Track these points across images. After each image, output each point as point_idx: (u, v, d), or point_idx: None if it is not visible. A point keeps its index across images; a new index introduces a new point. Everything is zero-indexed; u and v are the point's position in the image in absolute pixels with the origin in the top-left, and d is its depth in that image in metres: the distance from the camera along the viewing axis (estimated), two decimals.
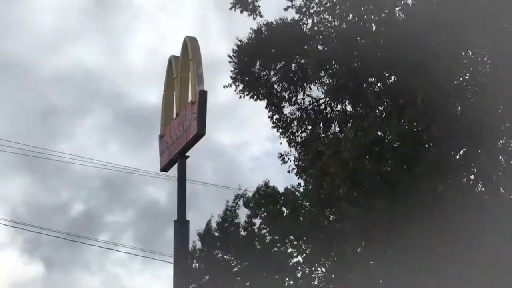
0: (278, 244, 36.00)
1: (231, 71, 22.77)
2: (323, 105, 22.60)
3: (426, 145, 18.53)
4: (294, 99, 22.82)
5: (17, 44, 68.23)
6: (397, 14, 20.47)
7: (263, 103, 22.91)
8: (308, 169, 21.48)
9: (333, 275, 31.60)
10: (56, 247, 53.97)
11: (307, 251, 34.34)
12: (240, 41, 22.76)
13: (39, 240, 54.30)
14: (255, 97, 22.80)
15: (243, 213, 37.40)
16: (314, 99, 22.77)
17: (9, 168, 63.17)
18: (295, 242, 35.16)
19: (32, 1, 70.44)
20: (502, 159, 18.46)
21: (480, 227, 17.26)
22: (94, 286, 57.51)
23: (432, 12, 18.75)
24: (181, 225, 13.24)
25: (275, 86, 22.85)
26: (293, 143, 22.89)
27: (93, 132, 68.33)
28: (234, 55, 22.75)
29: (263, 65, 22.68)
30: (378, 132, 19.36)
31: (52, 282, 56.53)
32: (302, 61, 21.85)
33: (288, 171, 23.28)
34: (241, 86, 22.79)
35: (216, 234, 36.99)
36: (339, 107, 21.89)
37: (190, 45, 13.73)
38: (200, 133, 13.02)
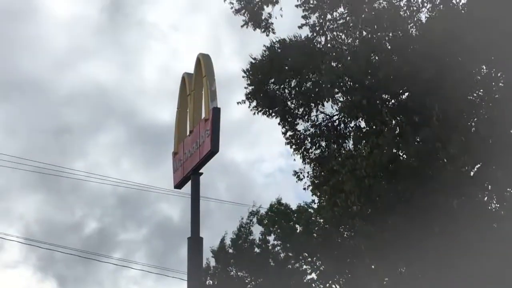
0: (292, 261, 35.92)
1: (245, 87, 22.83)
2: (337, 121, 22.59)
3: (441, 161, 18.47)
4: (307, 116, 22.81)
5: (31, 62, 68.74)
6: (411, 31, 20.48)
7: (277, 120, 22.93)
8: (322, 186, 21.43)
9: None
10: (69, 265, 53.99)
11: (321, 268, 34.23)
12: (254, 58, 22.81)
13: (52, 257, 54.39)
14: (268, 113, 22.81)
15: (257, 230, 37.40)
16: (328, 116, 22.77)
17: (23, 186, 63.42)
18: (309, 259, 35.08)
19: (46, 19, 70.94)
20: None
21: (495, 244, 17.16)
22: None
23: (445, 28, 18.74)
24: (195, 242, 13.20)
25: (289, 103, 22.86)
26: (307, 160, 22.87)
27: (107, 149, 68.58)
28: (248, 72, 22.79)
29: (277, 82, 22.70)
30: (393, 150, 19.32)
31: None
32: (316, 78, 21.87)
33: (304, 188, 23.27)
34: (254, 103, 22.81)
35: (230, 251, 36.93)
36: (352, 123, 21.87)
37: (204, 62, 13.74)
38: (214, 150, 13.01)
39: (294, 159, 23.33)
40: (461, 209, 17.66)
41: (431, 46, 18.82)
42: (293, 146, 22.87)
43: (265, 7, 22.91)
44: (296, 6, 22.34)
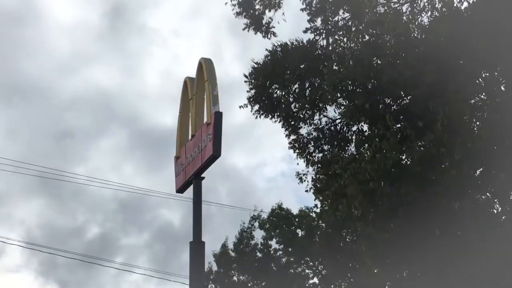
0: (295, 265, 35.90)
1: (247, 91, 22.83)
2: (340, 125, 22.57)
3: (444, 165, 18.44)
4: (310, 119, 22.79)
5: (34, 67, 68.79)
6: (413, 35, 20.47)
7: (279, 124, 22.92)
8: (325, 190, 21.40)
9: None
10: (71, 269, 53.94)
11: (323, 272, 34.20)
12: (256, 62, 22.80)
13: (54, 262, 54.35)
14: (271, 116, 22.78)
15: (258, 235, 37.39)
16: (330, 120, 22.75)
17: (25, 190, 63.38)
18: (311, 263, 35.06)
19: (49, 24, 70.99)
20: None
21: (495, 244, 17.13)
22: None
23: (448, 32, 18.73)
24: (197, 246, 13.20)
25: (292, 106, 22.85)
26: (310, 163, 22.85)
27: (109, 154, 68.57)
28: (250, 76, 22.79)
29: (279, 85, 22.69)
30: (397, 154, 19.28)
31: None
32: (318, 81, 21.87)
33: (306, 191, 23.27)
34: (257, 107, 22.80)
35: (232, 255, 36.91)
36: (355, 127, 21.85)
37: (205, 67, 13.76)
38: (216, 154, 13.02)
39: (298, 163, 23.35)
40: (462, 211, 17.63)
41: (434, 50, 18.80)
42: (297, 150, 22.86)
43: (266, 11, 22.95)
44: (301, 10, 22.37)
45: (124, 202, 59.87)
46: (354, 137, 21.68)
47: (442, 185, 17.95)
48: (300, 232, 36.29)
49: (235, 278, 36.48)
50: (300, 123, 22.88)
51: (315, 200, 23.74)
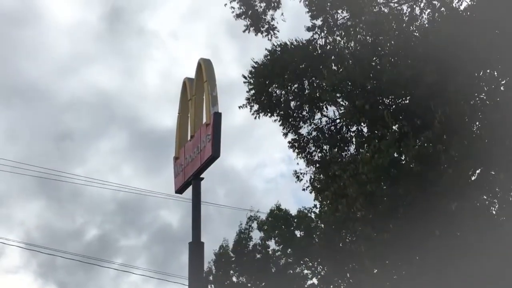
0: (294, 266, 35.86)
1: (247, 91, 22.80)
2: (340, 125, 22.54)
3: (443, 166, 18.42)
4: (311, 119, 22.77)
5: (32, 68, 68.77)
6: (413, 34, 20.45)
7: (278, 125, 22.88)
8: (324, 191, 21.37)
9: None
10: (70, 271, 53.83)
11: (322, 273, 34.15)
12: (256, 62, 22.79)
13: (53, 263, 54.21)
14: (270, 115, 22.74)
15: (256, 235, 37.34)
16: (330, 119, 22.73)
17: (24, 192, 63.30)
18: (310, 264, 35.02)
19: (48, 26, 70.95)
20: None
21: (495, 244, 17.11)
22: None
23: (448, 32, 18.71)
24: (196, 247, 13.17)
25: (291, 105, 22.82)
26: (310, 163, 22.82)
27: (108, 155, 68.52)
28: (250, 76, 22.76)
29: (278, 85, 22.67)
30: (395, 154, 19.26)
31: None
32: (318, 81, 21.84)
33: (303, 189, 23.22)
34: (256, 107, 22.77)
35: (232, 255, 36.86)
36: (354, 127, 21.82)
37: (205, 67, 13.72)
38: (215, 155, 12.99)
39: (298, 163, 23.32)
40: (462, 212, 17.60)
41: (433, 50, 18.78)
42: (296, 150, 22.83)
43: (267, 11, 22.96)
44: (305, 5, 22.38)
45: (123, 203, 59.88)
46: (354, 138, 21.65)
47: (442, 185, 17.93)
48: (298, 233, 36.24)
49: (234, 279, 36.44)
50: (300, 122, 22.86)
51: (314, 200, 23.69)
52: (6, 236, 52.63)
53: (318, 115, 22.80)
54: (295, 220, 36.54)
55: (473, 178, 18.77)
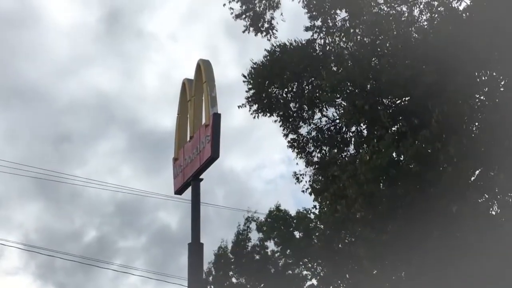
0: (293, 267, 35.85)
1: (246, 91, 22.80)
2: (339, 125, 22.53)
3: (442, 166, 18.41)
4: (310, 119, 22.77)
5: (32, 70, 68.76)
6: (412, 35, 20.44)
7: (278, 126, 22.88)
8: (323, 192, 21.36)
9: None
10: (69, 272, 53.77)
11: (321, 274, 34.13)
12: (255, 63, 22.79)
13: (52, 265, 54.19)
14: (269, 114, 22.73)
15: (255, 236, 37.32)
16: (330, 119, 22.73)
17: (23, 193, 63.27)
18: (309, 265, 35.00)
19: (47, 27, 70.93)
20: None
21: (495, 244, 17.10)
22: None
23: (447, 32, 18.71)
24: (195, 248, 13.14)
25: (290, 105, 22.81)
26: (309, 163, 22.82)
27: (107, 156, 68.47)
28: (249, 76, 22.76)
29: (278, 85, 22.67)
30: (394, 154, 19.26)
31: None
32: (317, 81, 21.85)
33: (303, 191, 23.21)
34: (255, 107, 22.76)
35: (231, 256, 36.84)
36: (354, 128, 21.81)
37: (204, 68, 13.69)
38: (214, 156, 12.95)
39: (297, 163, 23.31)
40: (461, 212, 17.59)
41: (433, 50, 18.77)
42: (296, 150, 22.82)
43: (267, 11, 22.96)
44: (303, 7, 22.37)
45: (122, 204, 59.85)
46: (353, 138, 21.65)
47: (441, 186, 17.92)
48: (297, 234, 36.23)
49: (233, 280, 36.43)
50: (300, 122, 22.86)
51: (313, 201, 23.68)
52: (5, 237, 52.65)
53: (318, 115, 22.83)
54: (294, 221, 36.53)
55: (472, 179, 18.76)
